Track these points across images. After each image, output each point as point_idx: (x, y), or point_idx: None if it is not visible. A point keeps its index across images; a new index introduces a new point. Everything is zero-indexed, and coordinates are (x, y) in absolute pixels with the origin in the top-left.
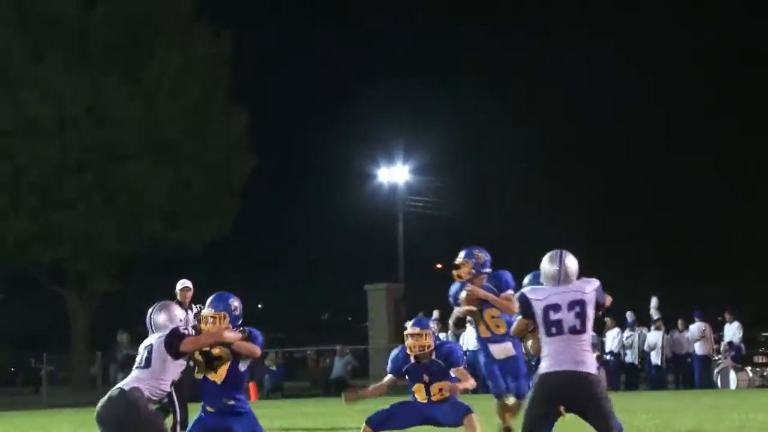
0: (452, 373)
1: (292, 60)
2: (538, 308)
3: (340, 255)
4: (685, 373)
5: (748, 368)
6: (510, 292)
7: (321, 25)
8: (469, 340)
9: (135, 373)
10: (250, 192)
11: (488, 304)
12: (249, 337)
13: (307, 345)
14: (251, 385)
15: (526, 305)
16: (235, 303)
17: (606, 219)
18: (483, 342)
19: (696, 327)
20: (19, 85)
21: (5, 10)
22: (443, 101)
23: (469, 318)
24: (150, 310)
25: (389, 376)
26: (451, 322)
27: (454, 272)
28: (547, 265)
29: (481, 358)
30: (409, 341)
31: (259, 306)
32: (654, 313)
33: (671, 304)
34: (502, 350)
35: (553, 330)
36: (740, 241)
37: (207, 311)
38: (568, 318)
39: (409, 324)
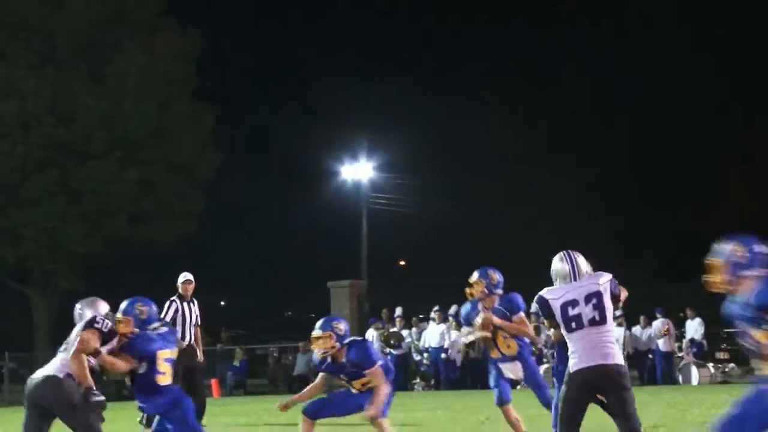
0: (366, 374)
1: (258, 57)
2: (555, 307)
3: (304, 252)
4: (647, 369)
5: (710, 364)
6: (521, 314)
7: (287, 22)
8: (431, 337)
9: (62, 356)
10: (215, 189)
11: None
12: (128, 346)
13: (270, 342)
14: (214, 382)
15: (545, 306)
16: (143, 308)
17: (573, 216)
18: (494, 361)
19: (659, 323)
20: None
21: None
22: (407, 98)
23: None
24: (79, 305)
25: (321, 374)
26: (463, 341)
27: (467, 290)
28: (558, 265)
29: (491, 370)
30: (313, 344)
31: (222, 303)
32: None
33: (633, 300)
34: (511, 370)
35: (573, 325)
36: (705, 238)
37: (118, 314)
38: (586, 311)
39: (316, 326)
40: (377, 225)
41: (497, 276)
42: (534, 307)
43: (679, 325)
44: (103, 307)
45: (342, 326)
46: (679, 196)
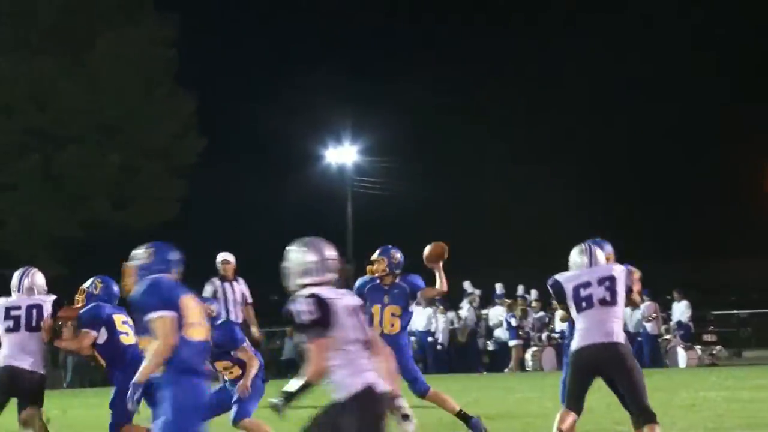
0: (236, 354)
1: (240, 41)
2: (568, 289)
3: (289, 236)
4: (635, 352)
5: (697, 347)
6: (424, 289)
7: (269, 5)
8: (418, 320)
9: (34, 341)
10: (198, 174)
11: (393, 300)
12: (80, 320)
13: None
14: None
15: (558, 289)
16: (99, 284)
17: (573, 216)
18: None
19: (645, 306)
20: None
21: None
22: (391, 81)
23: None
24: (21, 273)
25: None
26: None
27: (369, 267)
28: (577, 257)
29: None
30: None
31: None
32: None
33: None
34: None
35: (583, 305)
36: (689, 220)
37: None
38: (598, 291)
39: None
40: (362, 208)
41: (399, 255)
42: (534, 293)
43: (666, 307)
44: (40, 277)
45: (214, 307)
46: (679, 195)
